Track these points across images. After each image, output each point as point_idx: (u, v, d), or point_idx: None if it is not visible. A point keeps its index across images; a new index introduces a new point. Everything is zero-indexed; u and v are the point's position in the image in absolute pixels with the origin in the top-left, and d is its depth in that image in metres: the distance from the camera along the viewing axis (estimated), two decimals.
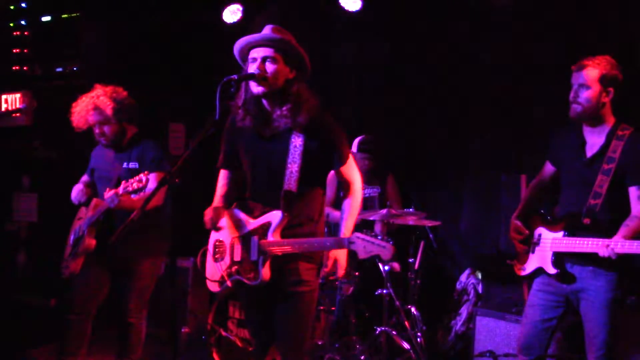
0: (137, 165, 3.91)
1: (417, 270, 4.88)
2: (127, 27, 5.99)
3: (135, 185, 3.42)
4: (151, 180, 3.77)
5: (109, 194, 3.63)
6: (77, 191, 4.04)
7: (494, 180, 5.05)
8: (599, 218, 2.98)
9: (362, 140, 5.11)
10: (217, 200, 3.10)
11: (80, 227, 3.90)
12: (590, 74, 3.02)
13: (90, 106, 3.87)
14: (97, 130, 3.92)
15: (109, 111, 3.87)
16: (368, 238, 2.48)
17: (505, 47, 5.08)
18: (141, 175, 3.41)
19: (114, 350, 4.13)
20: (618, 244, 2.81)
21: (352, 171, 2.94)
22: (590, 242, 2.91)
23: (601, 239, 2.87)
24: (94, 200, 3.91)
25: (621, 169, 2.98)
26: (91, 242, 3.82)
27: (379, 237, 2.48)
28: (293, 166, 2.83)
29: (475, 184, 5.37)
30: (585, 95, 3.03)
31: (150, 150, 3.95)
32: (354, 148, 5.11)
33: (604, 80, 3.00)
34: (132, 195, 3.46)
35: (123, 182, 3.51)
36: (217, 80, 2.68)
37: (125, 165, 3.94)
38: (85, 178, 4.21)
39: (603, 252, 2.84)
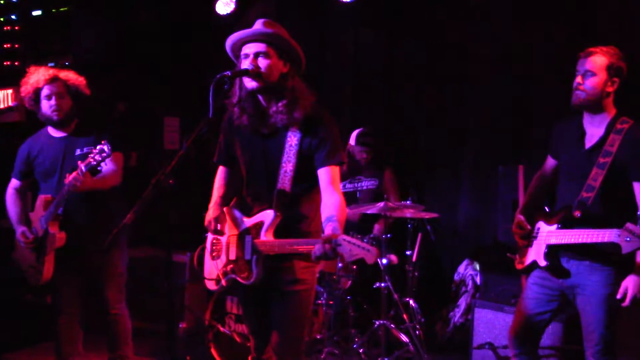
0: (92, 149, 3.71)
1: (415, 262, 4.88)
2: (119, 20, 5.94)
3: (97, 157, 3.34)
4: (109, 161, 3.62)
5: (70, 177, 3.49)
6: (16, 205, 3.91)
7: (491, 171, 5.03)
8: (590, 211, 2.95)
9: (360, 132, 5.07)
10: (216, 202, 3.02)
11: (34, 229, 3.77)
12: (598, 61, 2.97)
13: (55, 75, 3.71)
14: (53, 102, 3.70)
15: (78, 82, 3.76)
16: (354, 241, 2.43)
17: (504, 39, 5.06)
18: (100, 146, 3.33)
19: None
20: (587, 234, 2.83)
21: (338, 182, 2.82)
22: (571, 234, 2.91)
23: (581, 230, 2.86)
24: (41, 198, 3.75)
25: (618, 163, 2.94)
26: (61, 235, 3.69)
27: (365, 240, 2.44)
28: (288, 165, 2.79)
29: (472, 175, 5.35)
30: (590, 82, 2.97)
31: (104, 131, 3.82)
32: (352, 141, 5.08)
33: (610, 69, 2.95)
34: (94, 174, 3.41)
35: (79, 162, 3.42)
36: (211, 73, 2.64)
37: (78, 152, 3.76)
38: (15, 184, 3.97)
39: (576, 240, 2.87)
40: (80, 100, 3.82)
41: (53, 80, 3.72)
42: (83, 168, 3.42)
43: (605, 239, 2.75)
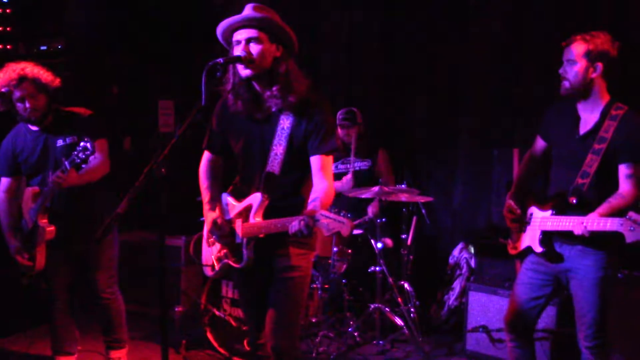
0: (75, 139, 3.70)
1: (409, 245, 4.89)
2: (112, 3, 5.88)
3: (81, 155, 3.32)
4: (96, 148, 3.56)
5: (54, 175, 3.47)
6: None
7: (486, 154, 5.02)
8: (586, 197, 2.95)
9: (339, 112, 5.03)
10: (208, 205, 2.98)
11: (25, 222, 3.77)
12: (577, 49, 2.97)
13: (20, 75, 3.60)
14: (27, 105, 3.63)
15: (46, 79, 3.66)
16: (331, 215, 2.46)
17: (500, 20, 5.03)
18: (83, 143, 3.31)
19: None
20: (590, 222, 2.79)
21: (330, 172, 2.81)
22: (570, 220, 2.89)
23: (579, 217, 2.84)
24: (29, 190, 3.74)
25: (612, 149, 2.94)
26: (51, 228, 3.69)
27: (342, 214, 2.47)
28: (278, 148, 2.79)
29: (467, 158, 5.35)
30: (572, 70, 2.98)
31: (83, 118, 3.78)
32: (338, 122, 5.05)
33: (590, 56, 2.94)
34: (78, 170, 3.40)
35: (63, 159, 3.41)
36: (206, 55, 2.61)
37: (60, 142, 3.73)
38: (5, 185, 3.90)
39: (577, 230, 2.83)
40: (53, 93, 3.74)
41: (21, 81, 3.62)
42: (67, 165, 3.39)
43: (608, 228, 2.73)
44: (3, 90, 3.62)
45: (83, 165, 3.38)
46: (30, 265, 3.76)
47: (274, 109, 2.81)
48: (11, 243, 3.82)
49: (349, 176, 4.88)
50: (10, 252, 3.82)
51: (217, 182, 3.06)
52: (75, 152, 3.34)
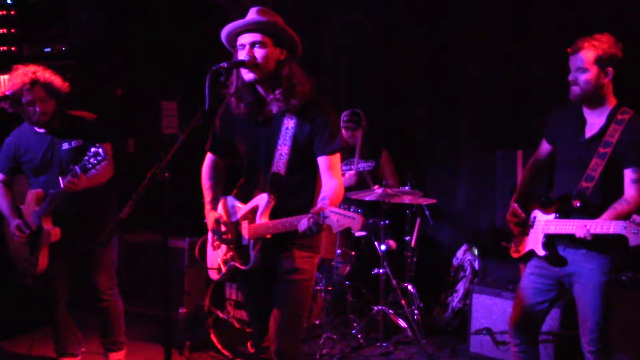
0: (81, 142, 3.74)
1: (413, 247, 4.89)
2: (116, 4, 5.89)
3: (92, 161, 3.35)
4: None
5: (65, 180, 3.49)
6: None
7: (490, 156, 5.01)
8: (590, 201, 2.94)
9: (346, 113, 5.03)
10: (210, 205, 3.00)
11: (27, 223, 3.79)
12: (587, 57, 2.95)
13: (33, 79, 3.61)
14: (37, 109, 3.65)
15: (57, 84, 3.69)
16: (340, 211, 2.44)
17: (502, 22, 5.01)
18: (95, 149, 3.35)
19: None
20: (594, 225, 2.79)
21: (338, 171, 2.81)
22: (573, 224, 2.89)
23: (583, 220, 2.84)
24: (32, 193, 3.76)
25: (617, 154, 2.93)
26: (56, 231, 3.71)
27: (352, 209, 2.46)
28: (283, 148, 2.80)
29: (471, 160, 5.34)
30: (583, 78, 2.96)
31: (88, 122, 3.81)
32: (342, 124, 5.04)
33: (601, 62, 2.93)
34: (88, 174, 3.42)
35: (73, 165, 3.43)
36: (209, 56, 2.61)
37: (65, 146, 3.75)
38: (1, 177, 3.93)
39: (579, 233, 2.83)
40: (62, 97, 3.76)
41: (33, 85, 3.63)
42: (78, 171, 3.41)
43: (611, 231, 2.72)
44: (8, 93, 3.63)
45: (93, 170, 3.41)
46: (30, 266, 3.76)
47: (275, 112, 2.82)
48: (12, 221, 3.81)
49: (352, 172, 4.89)
50: (10, 229, 3.81)
51: (219, 184, 3.07)
52: (87, 157, 3.37)
